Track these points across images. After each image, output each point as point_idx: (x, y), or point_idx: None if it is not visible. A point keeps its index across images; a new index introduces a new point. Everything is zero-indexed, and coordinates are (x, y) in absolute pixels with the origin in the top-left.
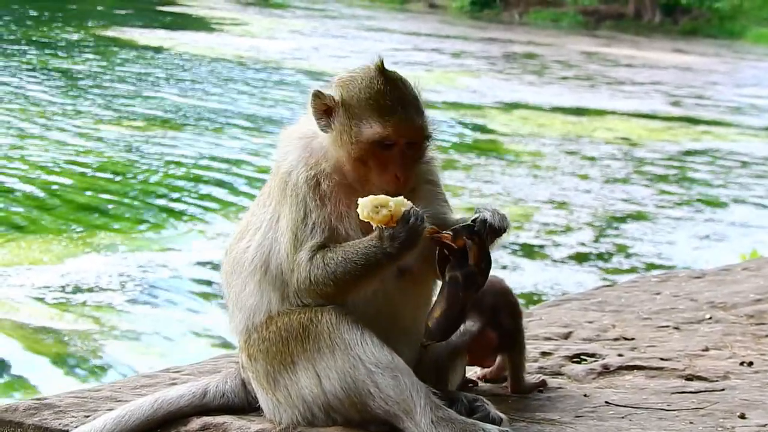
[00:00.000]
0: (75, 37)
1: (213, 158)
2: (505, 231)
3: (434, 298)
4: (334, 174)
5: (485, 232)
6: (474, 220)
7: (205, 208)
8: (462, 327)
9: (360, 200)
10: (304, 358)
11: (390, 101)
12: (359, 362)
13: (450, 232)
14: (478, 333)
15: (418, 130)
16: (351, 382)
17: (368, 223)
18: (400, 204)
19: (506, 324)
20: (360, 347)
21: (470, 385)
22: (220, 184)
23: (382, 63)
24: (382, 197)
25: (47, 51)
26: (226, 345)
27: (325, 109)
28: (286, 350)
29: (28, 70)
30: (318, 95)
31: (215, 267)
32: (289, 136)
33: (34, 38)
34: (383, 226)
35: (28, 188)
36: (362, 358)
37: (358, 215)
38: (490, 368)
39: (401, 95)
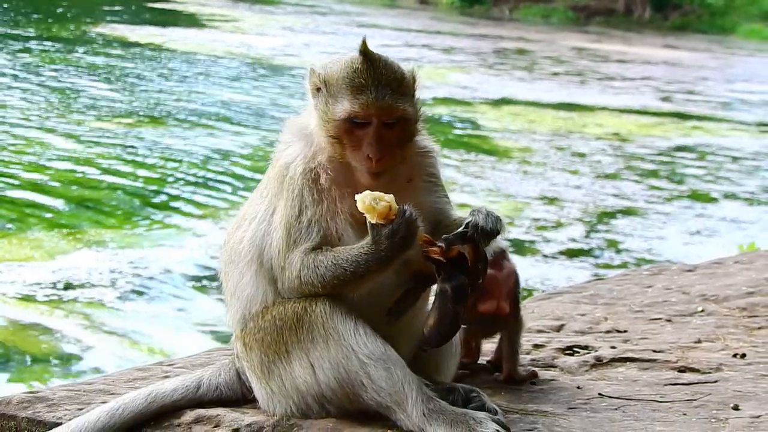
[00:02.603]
0: (65, 34)
1: (204, 154)
2: (498, 232)
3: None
4: (329, 166)
5: (478, 237)
6: (467, 225)
7: (196, 204)
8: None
9: (357, 196)
10: (298, 348)
11: (364, 80)
12: (352, 353)
13: (442, 244)
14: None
15: (389, 109)
16: (344, 373)
17: (359, 219)
18: (394, 202)
19: (516, 298)
20: (353, 338)
21: (462, 371)
22: (210, 179)
23: (365, 43)
24: (378, 192)
25: (37, 47)
26: (217, 340)
27: (317, 88)
28: (281, 339)
29: (17, 66)
30: (311, 72)
31: (206, 263)
32: (291, 128)
33: (23, 35)
34: (379, 223)
35: (18, 185)
36: (355, 349)
37: (350, 213)
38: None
39: (377, 75)
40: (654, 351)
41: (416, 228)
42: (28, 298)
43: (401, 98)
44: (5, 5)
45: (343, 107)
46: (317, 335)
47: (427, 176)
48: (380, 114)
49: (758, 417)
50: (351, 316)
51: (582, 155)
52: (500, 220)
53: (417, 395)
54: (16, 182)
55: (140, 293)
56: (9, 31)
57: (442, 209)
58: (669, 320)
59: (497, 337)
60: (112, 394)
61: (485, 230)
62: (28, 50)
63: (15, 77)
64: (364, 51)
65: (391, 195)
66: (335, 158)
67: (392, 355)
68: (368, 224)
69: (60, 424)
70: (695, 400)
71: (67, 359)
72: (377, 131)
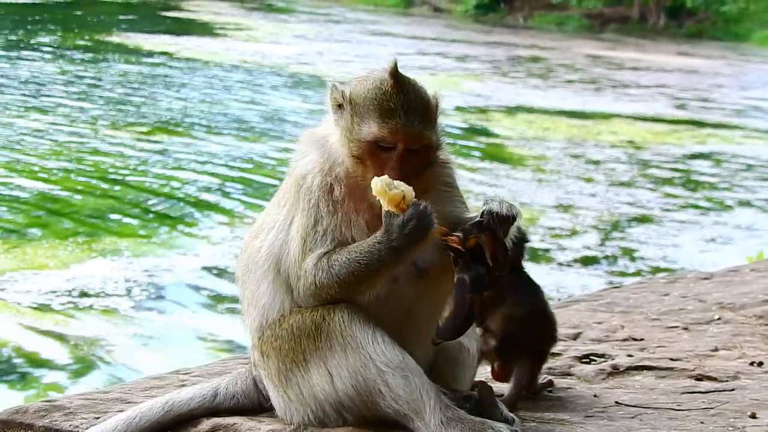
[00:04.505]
0: (80, 42)
1: (218, 163)
2: (514, 218)
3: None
4: (346, 179)
5: (495, 223)
6: (482, 214)
7: (211, 212)
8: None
9: (374, 179)
10: (316, 356)
11: (393, 104)
12: (370, 361)
13: (460, 234)
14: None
15: (417, 137)
16: (362, 381)
17: (377, 229)
18: (410, 192)
19: (544, 351)
20: (371, 346)
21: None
22: (225, 189)
23: (396, 66)
24: (397, 181)
25: (52, 56)
26: (232, 349)
27: (339, 104)
28: (299, 348)
29: (31, 75)
30: (333, 89)
31: (221, 272)
32: (308, 138)
33: (38, 44)
34: (392, 212)
35: (34, 194)
36: (373, 357)
37: (366, 225)
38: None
39: (407, 100)
40: (671, 359)
41: (430, 221)
42: (43, 307)
43: (427, 125)
44: (16, 16)
45: (371, 130)
46: (335, 343)
47: (443, 186)
48: (406, 141)
49: None
50: (369, 324)
51: (596, 163)
52: (514, 206)
53: (435, 403)
54: (31, 190)
55: (155, 302)
56: (19, 36)
57: (460, 217)
58: (686, 328)
59: None
60: (129, 402)
61: (501, 216)
62: (42, 59)
63: (31, 85)
64: (395, 74)
65: (411, 188)
66: (355, 176)
67: (410, 363)
68: (382, 213)
69: None
70: (712, 408)
71: (83, 368)
72: (401, 156)
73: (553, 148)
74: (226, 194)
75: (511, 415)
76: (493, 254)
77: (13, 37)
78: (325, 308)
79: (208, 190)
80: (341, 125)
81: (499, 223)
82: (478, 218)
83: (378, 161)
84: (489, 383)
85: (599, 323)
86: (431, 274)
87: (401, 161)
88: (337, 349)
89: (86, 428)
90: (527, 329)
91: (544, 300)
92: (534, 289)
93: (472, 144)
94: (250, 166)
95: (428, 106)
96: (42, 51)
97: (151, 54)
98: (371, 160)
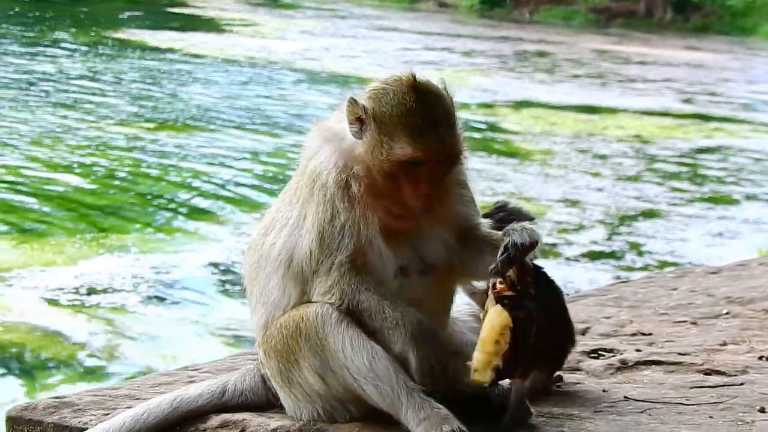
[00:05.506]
0: (85, 38)
1: (224, 159)
2: (537, 243)
3: (457, 296)
4: (364, 177)
5: (520, 254)
6: (506, 247)
7: (218, 209)
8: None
9: (473, 373)
10: (301, 357)
11: (421, 120)
12: (345, 369)
13: (502, 280)
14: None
15: (449, 148)
16: (344, 383)
17: (389, 228)
18: (489, 365)
19: (562, 355)
20: (342, 355)
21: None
22: (231, 184)
23: (415, 78)
24: (491, 351)
25: (57, 52)
26: (240, 345)
27: (358, 117)
28: (288, 348)
29: (38, 72)
30: (352, 102)
31: (228, 268)
32: (319, 134)
33: (44, 40)
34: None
35: (41, 190)
36: (346, 365)
37: (380, 221)
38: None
39: (433, 113)
40: (679, 354)
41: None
42: (51, 303)
43: (455, 132)
44: (17, 9)
45: (404, 151)
46: (314, 344)
47: (458, 184)
48: (439, 155)
49: None
50: (339, 327)
51: (603, 157)
52: (535, 231)
53: (407, 407)
54: (38, 187)
55: (163, 298)
56: (26, 33)
57: (470, 217)
58: (694, 323)
59: None
60: (138, 399)
61: (525, 246)
62: (53, 55)
63: (34, 83)
64: (416, 87)
65: (493, 358)
66: (385, 189)
67: (378, 369)
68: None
69: (86, 429)
70: (721, 402)
71: (91, 364)
72: (432, 168)
73: (560, 142)
74: (234, 190)
75: (532, 409)
76: (521, 279)
77: (24, 34)
78: (304, 308)
79: (215, 185)
80: (367, 140)
81: (524, 254)
82: (502, 252)
83: (411, 177)
84: None
85: (607, 318)
86: (438, 271)
87: (432, 174)
88: (318, 350)
89: (95, 425)
90: (548, 335)
91: (564, 305)
92: (555, 294)
93: (478, 139)
94: (259, 161)
95: (450, 111)
96: (46, 46)
97: (157, 50)
98: (404, 177)
